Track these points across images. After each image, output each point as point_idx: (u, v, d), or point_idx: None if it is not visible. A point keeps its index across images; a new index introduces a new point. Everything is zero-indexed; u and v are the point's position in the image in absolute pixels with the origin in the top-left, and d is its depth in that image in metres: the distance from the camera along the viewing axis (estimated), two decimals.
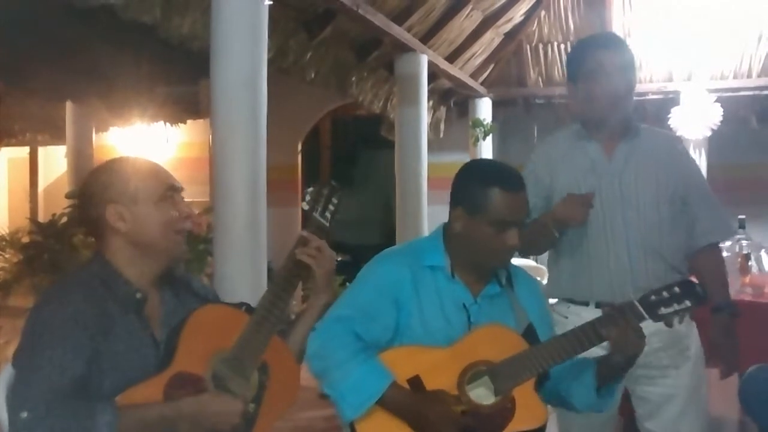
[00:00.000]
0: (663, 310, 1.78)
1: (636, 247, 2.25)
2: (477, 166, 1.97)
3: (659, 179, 2.29)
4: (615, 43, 2.36)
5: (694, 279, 2.15)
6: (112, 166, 1.70)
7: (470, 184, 1.89)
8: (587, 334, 1.80)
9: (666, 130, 2.56)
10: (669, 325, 1.80)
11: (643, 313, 1.78)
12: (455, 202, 1.91)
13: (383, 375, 1.79)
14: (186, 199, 1.77)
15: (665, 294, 1.79)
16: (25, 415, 1.43)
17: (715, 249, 2.41)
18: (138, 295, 1.63)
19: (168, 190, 1.68)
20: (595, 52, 2.31)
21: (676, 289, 1.79)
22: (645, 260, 2.25)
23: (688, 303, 1.77)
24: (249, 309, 1.73)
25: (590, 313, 2.10)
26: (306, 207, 1.75)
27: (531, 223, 2.32)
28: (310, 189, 1.77)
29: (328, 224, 1.76)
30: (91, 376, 1.52)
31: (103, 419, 1.44)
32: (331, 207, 1.76)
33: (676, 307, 1.77)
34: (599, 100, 2.28)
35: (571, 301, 2.36)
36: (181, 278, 1.78)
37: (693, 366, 2.32)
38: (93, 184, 1.67)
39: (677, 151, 2.38)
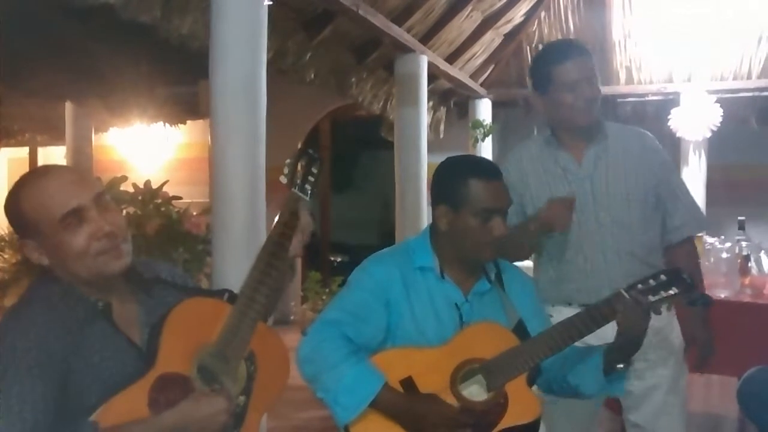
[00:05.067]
0: (651, 298, 1.79)
1: (610, 250, 2.29)
2: (453, 162, 1.98)
3: (630, 178, 2.32)
4: (579, 52, 2.35)
5: None
6: (15, 194, 1.52)
7: (450, 180, 1.91)
8: (576, 326, 1.82)
9: (634, 126, 2.53)
10: (657, 312, 1.83)
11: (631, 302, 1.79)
12: (438, 200, 1.93)
13: (375, 377, 1.79)
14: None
15: (652, 282, 1.80)
16: None
17: (688, 243, 2.43)
18: (100, 305, 1.54)
19: (68, 216, 1.47)
20: (562, 63, 2.33)
21: (663, 277, 1.80)
22: (620, 261, 2.28)
23: (674, 290, 1.79)
24: (231, 296, 1.65)
25: (573, 311, 2.11)
26: (284, 181, 1.65)
27: (512, 228, 2.36)
28: (288, 161, 1.67)
29: (307, 197, 1.66)
30: (73, 395, 1.44)
31: None
32: (310, 178, 1.66)
33: (663, 294, 1.79)
34: (572, 109, 2.30)
35: (555, 301, 2.39)
36: (149, 274, 1.66)
37: (675, 358, 2.36)
38: (7, 216, 1.53)
39: (647, 147, 2.39)
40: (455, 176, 1.91)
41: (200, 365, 1.56)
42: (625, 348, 1.83)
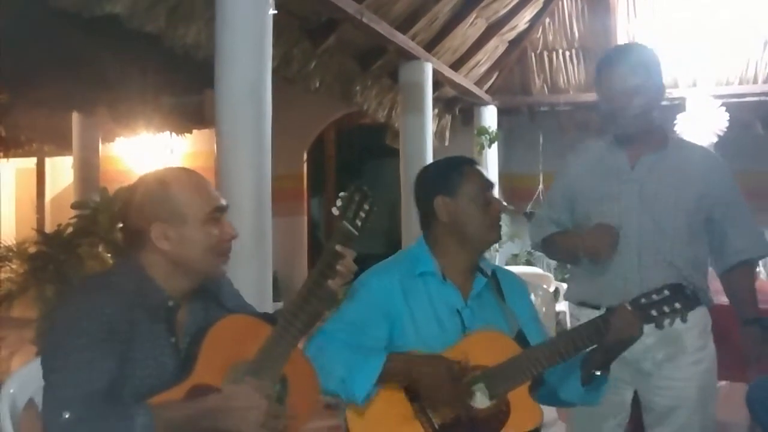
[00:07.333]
0: (653, 312, 1.81)
1: (647, 256, 2.26)
2: (436, 163, 2.13)
3: (681, 192, 2.29)
4: (615, 58, 2.35)
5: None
6: (164, 180, 1.64)
7: (440, 174, 2.02)
8: (581, 337, 1.83)
9: (703, 146, 2.50)
10: (659, 327, 1.83)
11: None
12: (432, 195, 1.99)
13: (378, 354, 1.84)
14: None
15: (655, 297, 1.82)
16: (67, 415, 1.40)
17: (747, 267, 2.38)
18: (170, 303, 1.60)
19: (215, 211, 1.63)
20: (599, 66, 2.37)
21: (666, 291, 1.83)
22: (655, 268, 2.25)
23: (677, 305, 1.81)
24: (271, 319, 1.69)
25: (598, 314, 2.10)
26: (336, 212, 1.68)
27: (561, 234, 2.41)
28: (343, 194, 1.70)
29: (357, 233, 1.68)
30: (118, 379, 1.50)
31: (139, 420, 1.42)
32: (362, 214, 1.69)
33: (666, 309, 1.81)
34: (601, 112, 2.34)
35: (584, 304, 2.37)
36: (211, 290, 1.73)
37: (702, 381, 2.30)
38: (142, 197, 1.62)
39: (709, 166, 2.35)
40: (445, 170, 2.01)
41: (234, 381, 1.57)
42: (608, 356, 1.85)
